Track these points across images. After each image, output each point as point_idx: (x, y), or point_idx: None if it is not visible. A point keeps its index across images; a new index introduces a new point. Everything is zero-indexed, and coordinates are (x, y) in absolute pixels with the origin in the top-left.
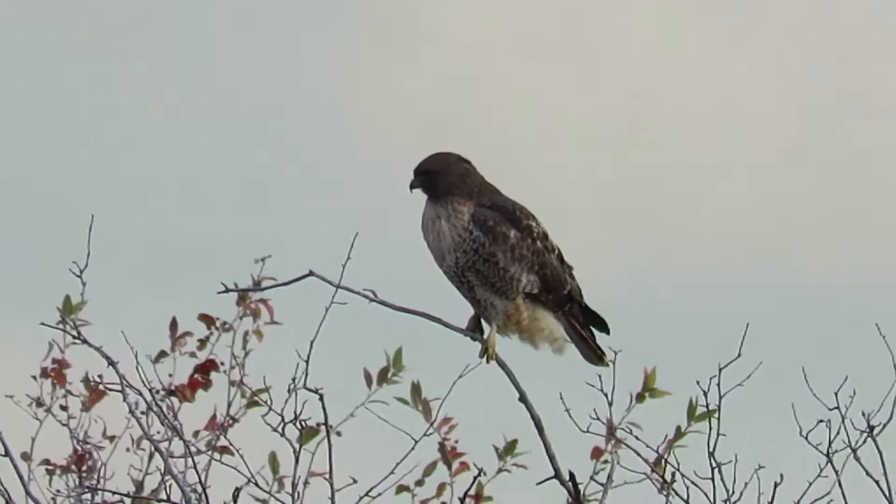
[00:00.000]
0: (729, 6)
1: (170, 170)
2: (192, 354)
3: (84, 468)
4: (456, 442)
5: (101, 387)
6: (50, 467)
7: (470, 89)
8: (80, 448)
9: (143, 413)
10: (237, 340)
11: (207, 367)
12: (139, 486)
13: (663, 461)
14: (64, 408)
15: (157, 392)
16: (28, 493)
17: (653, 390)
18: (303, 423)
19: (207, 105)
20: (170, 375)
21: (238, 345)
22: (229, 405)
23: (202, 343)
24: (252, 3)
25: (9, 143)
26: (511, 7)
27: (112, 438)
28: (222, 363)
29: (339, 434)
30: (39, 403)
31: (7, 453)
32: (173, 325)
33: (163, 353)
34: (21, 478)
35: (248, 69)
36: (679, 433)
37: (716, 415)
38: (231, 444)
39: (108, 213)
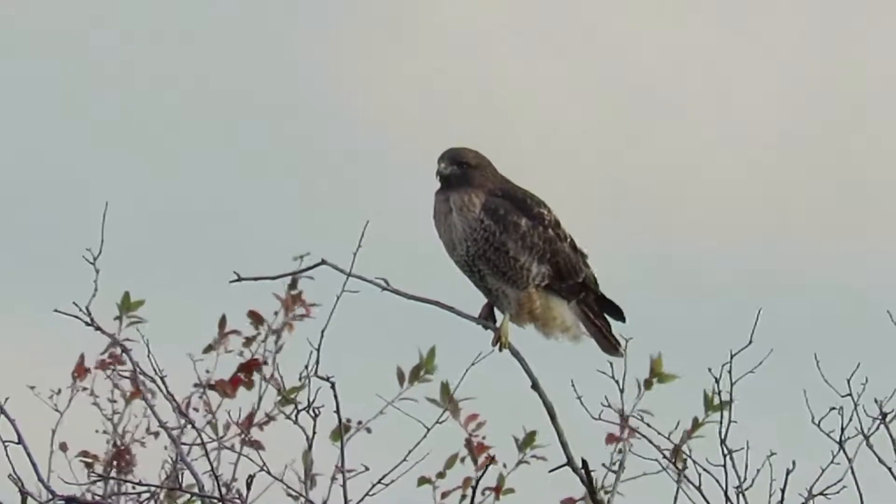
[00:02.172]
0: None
1: (207, 170)
2: (240, 353)
3: (122, 462)
4: (483, 438)
5: (107, 372)
6: (88, 459)
7: (470, 80)
8: (119, 441)
9: (176, 404)
10: (271, 337)
11: (251, 366)
12: (175, 479)
13: (679, 452)
14: (112, 401)
15: (197, 386)
16: (41, 480)
17: (661, 375)
18: (316, 410)
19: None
20: (207, 371)
21: (271, 340)
22: (260, 399)
23: (248, 341)
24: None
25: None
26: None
27: (157, 434)
28: (265, 362)
29: (369, 431)
30: (92, 393)
31: (20, 441)
32: (222, 322)
33: (209, 347)
34: (34, 466)
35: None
36: (696, 424)
37: (731, 405)
38: (251, 441)
39: (150, 209)
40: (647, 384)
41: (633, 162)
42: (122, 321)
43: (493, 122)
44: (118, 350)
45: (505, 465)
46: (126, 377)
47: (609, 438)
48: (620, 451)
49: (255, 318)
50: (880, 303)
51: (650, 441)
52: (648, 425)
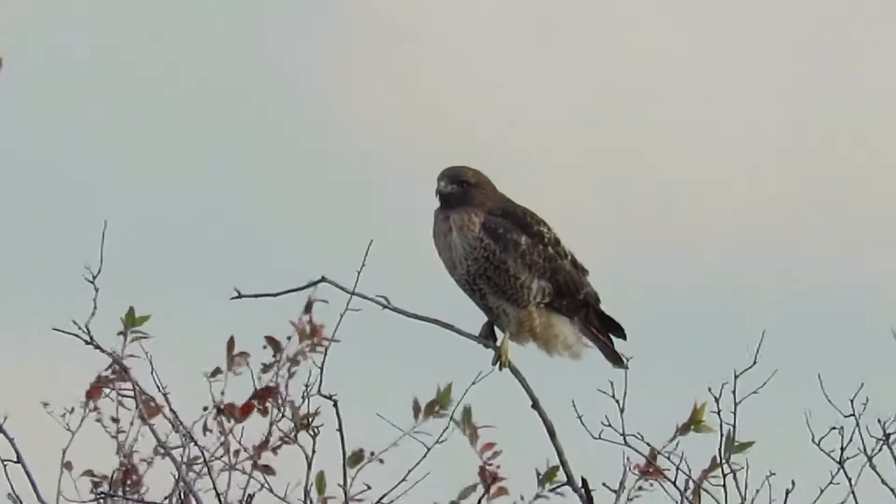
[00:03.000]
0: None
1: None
2: (258, 378)
3: (129, 482)
4: (498, 467)
5: (108, 391)
6: (96, 479)
7: (459, 87)
8: (126, 461)
9: (184, 430)
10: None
11: (265, 394)
12: (179, 499)
13: (699, 491)
14: (115, 419)
15: (207, 409)
16: (40, 499)
17: (699, 424)
18: (315, 429)
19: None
20: (222, 393)
21: (285, 368)
22: (271, 425)
23: (266, 368)
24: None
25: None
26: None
27: (165, 454)
28: (278, 388)
29: (381, 461)
30: (96, 412)
31: (19, 460)
32: (230, 344)
33: (217, 371)
34: (33, 485)
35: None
36: (714, 464)
37: (751, 447)
38: (261, 465)
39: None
40: (684, 429)
41: (633, 178)
42: (127, 337)
43: (487, 134)
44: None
45: (523, 498)
46: (128, 396)
47: (639, 468)
48: (642, 490)
49: (274, 345)
50: (885, 322)
51: (672, 482)
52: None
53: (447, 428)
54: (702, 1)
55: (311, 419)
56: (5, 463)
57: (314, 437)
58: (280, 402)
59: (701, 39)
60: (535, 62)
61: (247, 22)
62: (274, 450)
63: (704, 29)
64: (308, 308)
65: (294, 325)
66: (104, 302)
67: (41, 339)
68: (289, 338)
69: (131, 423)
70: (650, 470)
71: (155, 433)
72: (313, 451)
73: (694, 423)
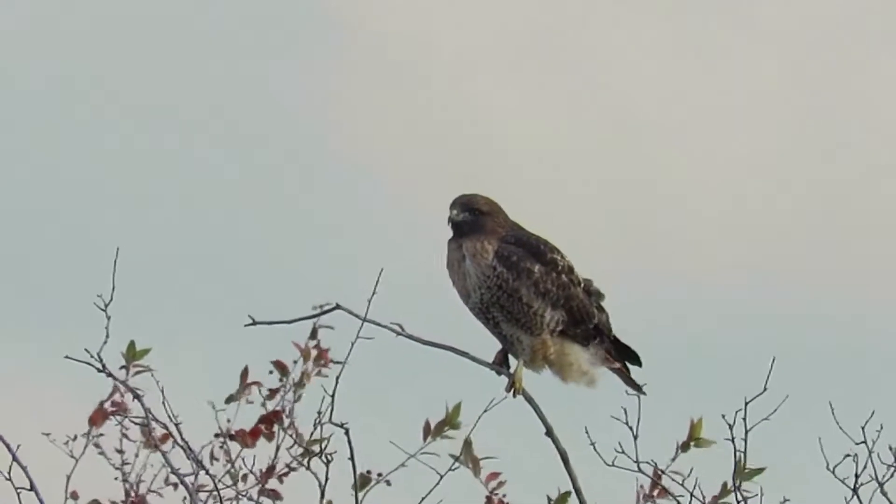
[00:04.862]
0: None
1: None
2: (263, 404)
3: None
4: (504, 496)
5: (124, 420)
6: None
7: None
8: (133, 492)
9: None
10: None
11: (272, 418)
12: None
13: None
14: (120, 451)
15: (217, 435)
16: None
17: (699, 439)
18: (328, 456)
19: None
20: (228, 421)
21: (291, 391)
22: (277, 448)
23: (272, 393)
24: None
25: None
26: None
27: (176, 486)
28: (285, 413)
29: (388, 483)
30: (96, 445)
31: (33, 487)
32: (244, 373)
33: (231, 398)
34: None
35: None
36: (725, 490)
37: (761, 473)
38: (269, 491)
39: (152, 249)
40: (685, 447)
41: (641, 205)
42: (129, 370)
43: (484, 154)
44: (122, 397)
45: None
46: (137, 424)
47: (641, 496)
48: None
49: (281, 369)
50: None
51: (674, 497)
52: (677, 482)
53: (455, 462)
54: (700, 30)
55: (323, 447)
56: (19, 491)
57: (327, 464)
58: (287, 426)
59: (701, 68)
60: (538, 91)
61: (247, 55)
62: (280, 477)
63: (704, 58)
64: (314, 334)
65: (299, 347)
66: (95, 330)
67: (46, 365)
68: (295, 362)
69: (136, 455)
70: (655, 493)
71: (169, 462)
72: (326, 479)
73: (693, 439)
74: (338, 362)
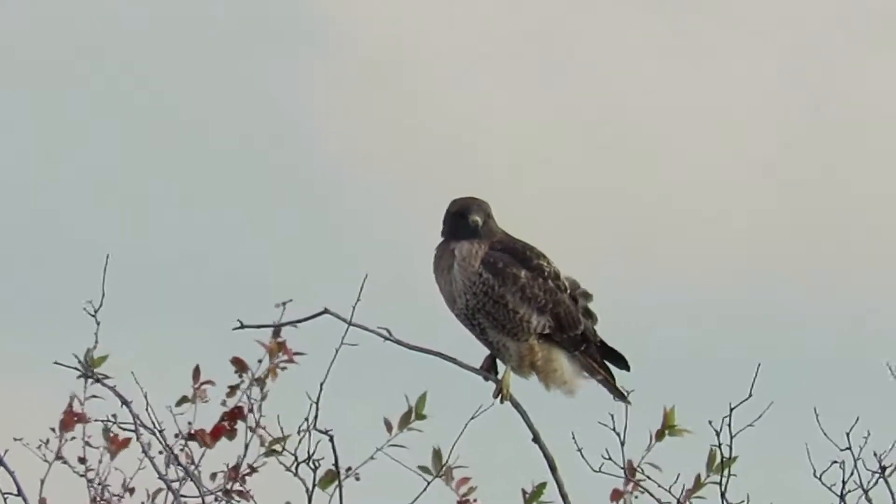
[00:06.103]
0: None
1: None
2: (223, 403)
3: None
4: (475, 501)
5: (114, 426)
6: None
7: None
8: (98, 498)
9: (160, 453)
10: (255, 384)
11: (234, 415)
12: None
13: None
14: (82, 460)
15: (177, 436)
16: None
17: (672, 428)
18: (315, 462)
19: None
20: (189, 423)
21: (256, 389)
22: (246, 447)
23: (232, 390)
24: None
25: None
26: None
27: (132, 491)
28: (250, 410)
29: (357, 478)
30: (59, 456)
31: (20, 493)
32: (196, 372)
33: (184, 399)
34: None
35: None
36: (698, 483)
37: (734, 463)
38: (242, 490)
39: (132, 251)
40: (659, 435)
41: (628, 210)
42: (87, 380)
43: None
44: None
45: None
46: (125, 429)
47: (614, 495)
48: None
49: (240, 366)
50: (881, 356)
51: (652, 496)
52: (649, 478)
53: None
54: (693, 33)
55: (283, 444)
56: (6, 496)
57: (315, 470)
58: (253, 424)
59: (694, 71)
60: (530, 93)
61: (246, 62)
62: (243, 477)
63: (697, 60)
64: (276, 333)
65: (263, 344)
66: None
67: (32, 370)
68: (260, 361)
69: (100, 461)
70: (625, 489)
71: (156, 467)
72: (314, 485)
73: (668, 427)
74: (299, 353)
